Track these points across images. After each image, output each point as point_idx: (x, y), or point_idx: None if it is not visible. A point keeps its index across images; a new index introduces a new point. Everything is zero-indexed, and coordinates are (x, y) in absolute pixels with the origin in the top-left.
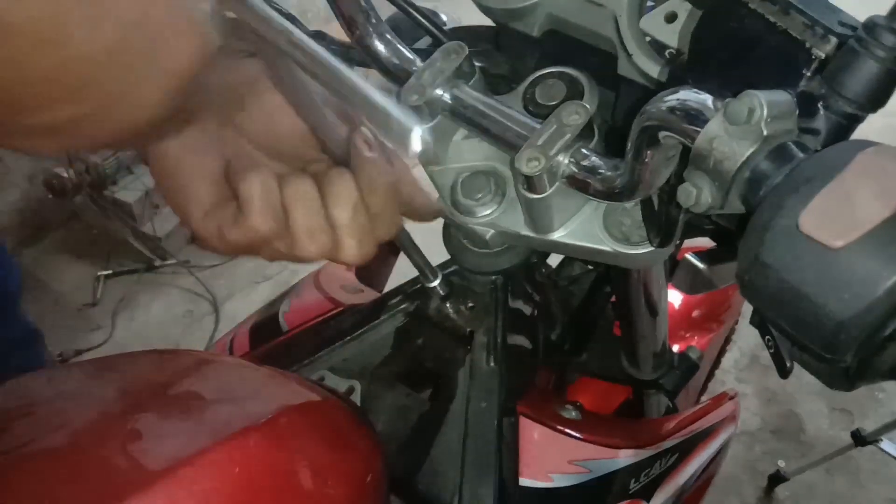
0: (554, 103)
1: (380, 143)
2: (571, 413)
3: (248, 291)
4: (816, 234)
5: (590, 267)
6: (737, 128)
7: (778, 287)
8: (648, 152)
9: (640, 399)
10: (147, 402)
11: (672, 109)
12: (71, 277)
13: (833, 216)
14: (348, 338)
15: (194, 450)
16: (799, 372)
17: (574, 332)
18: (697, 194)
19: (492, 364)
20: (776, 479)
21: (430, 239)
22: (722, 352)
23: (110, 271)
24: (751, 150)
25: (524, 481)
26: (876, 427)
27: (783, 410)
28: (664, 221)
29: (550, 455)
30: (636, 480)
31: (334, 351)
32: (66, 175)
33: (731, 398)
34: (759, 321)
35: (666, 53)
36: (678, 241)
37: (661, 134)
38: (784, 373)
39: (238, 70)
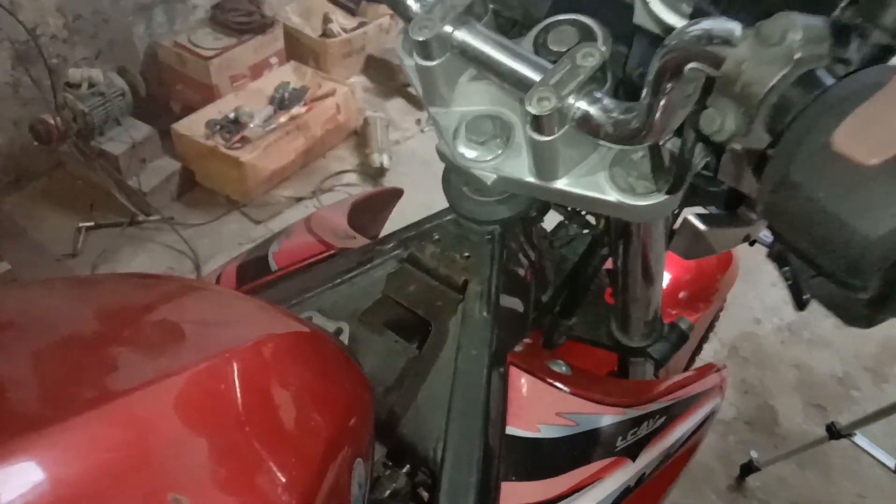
0: (565, 50)
1: None
2: (562, 368)
3: (231, 252)
4: (850, 151)
5: (585, 231)
6: (767, 51)
7: (805, 207)
8: (668, 86)
9: (625, 367)
10: (132, 320)
11: (698, 38)
12: (51, 227)
13: (868, 134)
14: (339, 280)
15: (179, 365)
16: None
17: (566, 296)
18: (721, 121)
19: (485, 314)
20: (748, 468)
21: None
22: (704, 338)
23: (92, 223)
24: (781, 73)
25: (511, 430)
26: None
27: (759, 402)
28: (679, 163)
29: (539, 406)
30: (623, 439)
31: (324, 292)
32: (52, 122)
33: (719, 370)
34: (777, 252)
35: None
36: (678, 210)
37: (686, 67)
38: (801, 305)
39: None
